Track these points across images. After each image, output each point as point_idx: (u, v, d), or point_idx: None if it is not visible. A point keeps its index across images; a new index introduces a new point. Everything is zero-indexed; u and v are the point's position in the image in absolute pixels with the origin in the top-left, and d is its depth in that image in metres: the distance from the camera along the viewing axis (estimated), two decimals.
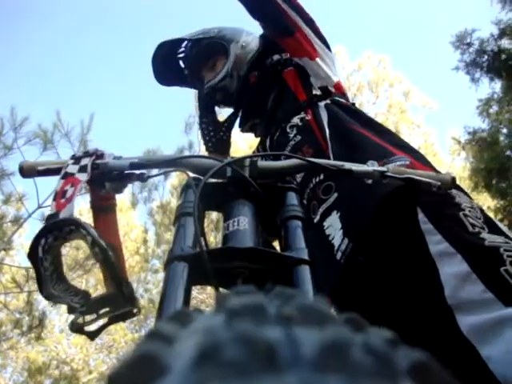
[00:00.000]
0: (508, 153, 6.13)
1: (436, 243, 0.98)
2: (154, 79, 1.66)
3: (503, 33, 6.31)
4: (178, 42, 1.64)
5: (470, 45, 6.49)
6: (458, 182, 1.15)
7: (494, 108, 6.60)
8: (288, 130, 1.40)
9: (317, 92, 1.44)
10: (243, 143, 8.88)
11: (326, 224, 1.19)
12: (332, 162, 0.88)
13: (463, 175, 8.04)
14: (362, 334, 0.25)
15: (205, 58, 1.60)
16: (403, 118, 9.95)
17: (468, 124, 6.66)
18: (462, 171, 8.70)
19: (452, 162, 9.81)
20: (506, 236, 0.99)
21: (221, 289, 0.66)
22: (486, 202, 7.27)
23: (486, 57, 6.40)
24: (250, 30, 1.65)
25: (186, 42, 1.64)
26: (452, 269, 0.93)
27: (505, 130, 6.36)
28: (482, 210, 1.08)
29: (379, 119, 8.84)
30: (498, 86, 6.58)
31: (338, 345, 0.23)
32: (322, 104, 1.39)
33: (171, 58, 1.66)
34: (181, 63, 1.68)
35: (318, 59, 1.45)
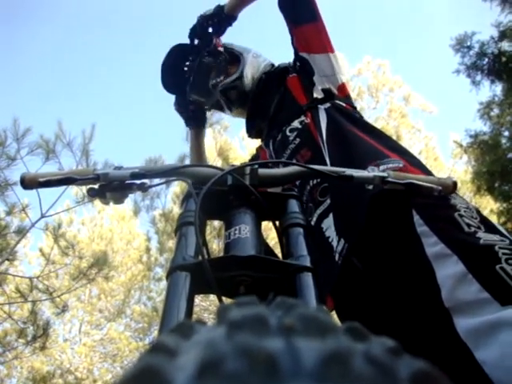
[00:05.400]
0: (510, 155, 6.11)
1: (432, 245, 0.98)
2: (161, 85, 1.70)
3: (503, 35, 6.30)
4: (187, 50, 1.66)
5: (470, 48, 6.48)
6: (460, 186, 1.15)
7: (495, 111, 6.59)
8: (288, 134, 1.41)
9: (318, 95, 1.44)
10: (244, 150, 8.88)
11: (324, 226, 1.20)
12: (333, 168, 0.88)
13: (465, 179, 8.01)
14: (363, 344, 0.25)
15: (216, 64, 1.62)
16: (404, 122, 9.93)
17: (469, 127, 6.65)
18: (464, 175, 8.67)
19: (454, 165, 9.79)
20: (502, 234, 0.99)
21: (224, 297, 0.66)
22: (489, 205, 7.26)
23: (486, 59, 6.39)
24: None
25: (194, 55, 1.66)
26: (448, 270, 0.93)
27: (506, 133, 6.34)
28: (478, 211, 1.08)
29: (380, 124, 8.85)
30: (498, 88, 6.57)
31: (338, 355, 0.23)
32: (322, 107, 1.40)
33: (178, 67, 1.69)
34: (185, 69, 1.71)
35: (331, 54, 1.47)
